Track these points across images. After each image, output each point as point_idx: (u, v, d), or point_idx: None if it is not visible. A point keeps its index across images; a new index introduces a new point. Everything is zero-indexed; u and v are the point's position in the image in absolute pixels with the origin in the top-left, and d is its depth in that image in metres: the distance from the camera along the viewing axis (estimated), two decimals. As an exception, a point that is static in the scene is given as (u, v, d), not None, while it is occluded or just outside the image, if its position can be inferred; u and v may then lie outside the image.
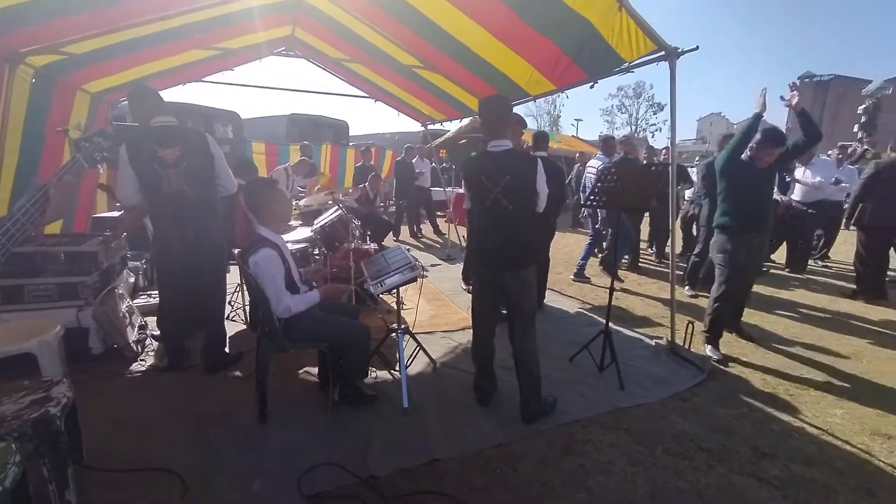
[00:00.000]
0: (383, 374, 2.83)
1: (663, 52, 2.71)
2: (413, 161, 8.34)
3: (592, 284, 5.12)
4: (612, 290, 3.01)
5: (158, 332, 3.02)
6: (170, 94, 5.04)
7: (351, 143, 11.76)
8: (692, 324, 3.28)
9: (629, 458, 2.10)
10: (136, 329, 3.16)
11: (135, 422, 2.28)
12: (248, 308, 3.55)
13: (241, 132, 8.79)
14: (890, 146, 4.64)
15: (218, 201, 2.77)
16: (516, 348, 2.39)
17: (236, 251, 2.46)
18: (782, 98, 2.85)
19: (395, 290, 2.58)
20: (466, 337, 3.56)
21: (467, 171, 2.41)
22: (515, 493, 1.86)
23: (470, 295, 4.39)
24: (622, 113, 50.11)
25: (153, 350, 3.09)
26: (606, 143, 5.15)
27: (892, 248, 4.79)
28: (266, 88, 5.49)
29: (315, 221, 3.97)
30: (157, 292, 3.16)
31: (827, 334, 3.71)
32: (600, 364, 2.94)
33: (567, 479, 1.96)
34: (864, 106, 29.30)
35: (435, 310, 4.24)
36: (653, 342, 3.41)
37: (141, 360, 2.97)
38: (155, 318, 3.02)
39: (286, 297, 2.13)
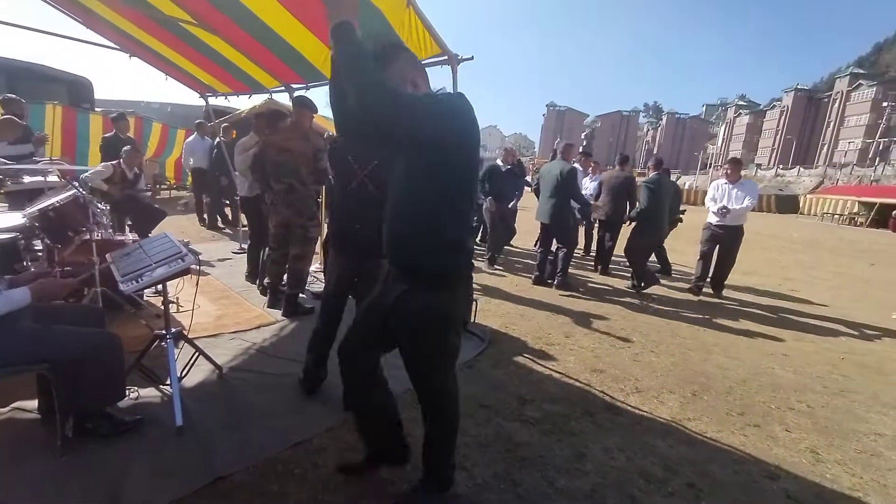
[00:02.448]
0: (150, 392, 2.30)
1: (446, 57, 3.00)
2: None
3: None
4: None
5: None
6: None
7: (98, 108, 9.14)
8: (476, 302, 3.79)
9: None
10: None
11: None
12: None
13: None
14: (617, 161, 6.39)
15: None
16: None
17: None
18: None
19: (162, 289, 2.11)
20: (261, 336, 3.24)
21: (334, 147, 2.31)
22: (315, 489, 1.78)
23: (260, 292, 4.07)
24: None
25: None
26: None
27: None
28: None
29: (30, 203, 2.90)
30: None
31: (566, 299, 4.85)
32: (401, 346, 3.09)
33: (369, 461, 1.99)
34: (584, 133, 39.94)
35: (223, 309, 3.71)
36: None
37: None
38: None
39: (-32, 305, 1.47)
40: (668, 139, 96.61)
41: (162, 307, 2.36)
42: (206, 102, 5.96)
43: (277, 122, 3.86)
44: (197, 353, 2.43)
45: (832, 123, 62.93)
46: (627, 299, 5.10)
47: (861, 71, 69.00)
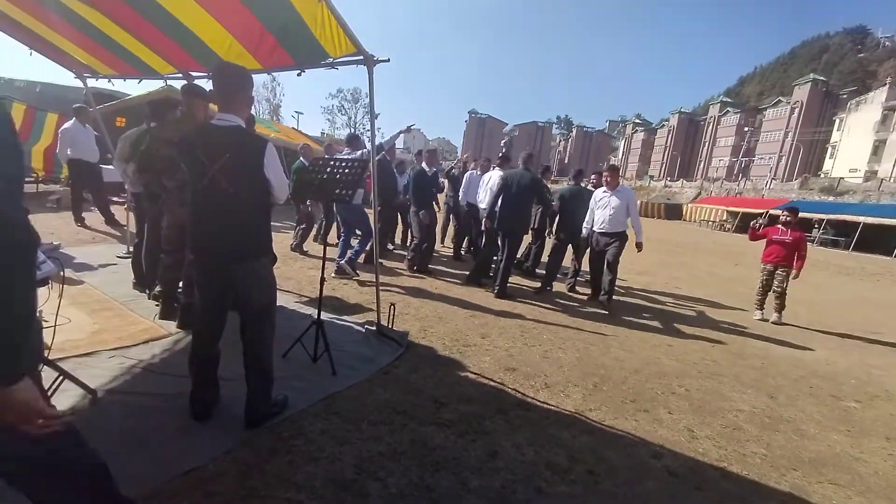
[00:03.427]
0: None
1: (362, 57, 2.93)
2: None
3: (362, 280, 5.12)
4: (322, 280, 3.07)
5: None
6: None
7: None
8: (394, 306, 3.75)
9: (338, 440, 2.19)
10: None
11: None
12: None
13: None
14: (540, 172, 6.63)
15: None
16: (247, 345, 2.19)
17: None
18: None
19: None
20: (150, 352, 2.88)
21: (183, 142, 2.09)
22: (209, 520, 1.62)
23: (152, 301, 3.63)
24: (342, 114, 52.85)
25: None
26: (352, 140, 5.54)
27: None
28: None
29: None
30: None
31: (484, 301, 5.00)
32: (314, 355, 2.94)
33: (273, 481, 1.85)
34: (504, 140, 41.96)
35: (102, 322, 3.23)
36: (362, 327, 3.70)
37: None
38: None
39: None
40: (577, 150, 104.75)
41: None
42: (85, 84, 5.19)
43: (165, 113, 3.50)
44: (61, 377, 2.08)
45: (707, 143, 72.97)
46: (539, 300, 5.41)
47: (728, 100, 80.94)
